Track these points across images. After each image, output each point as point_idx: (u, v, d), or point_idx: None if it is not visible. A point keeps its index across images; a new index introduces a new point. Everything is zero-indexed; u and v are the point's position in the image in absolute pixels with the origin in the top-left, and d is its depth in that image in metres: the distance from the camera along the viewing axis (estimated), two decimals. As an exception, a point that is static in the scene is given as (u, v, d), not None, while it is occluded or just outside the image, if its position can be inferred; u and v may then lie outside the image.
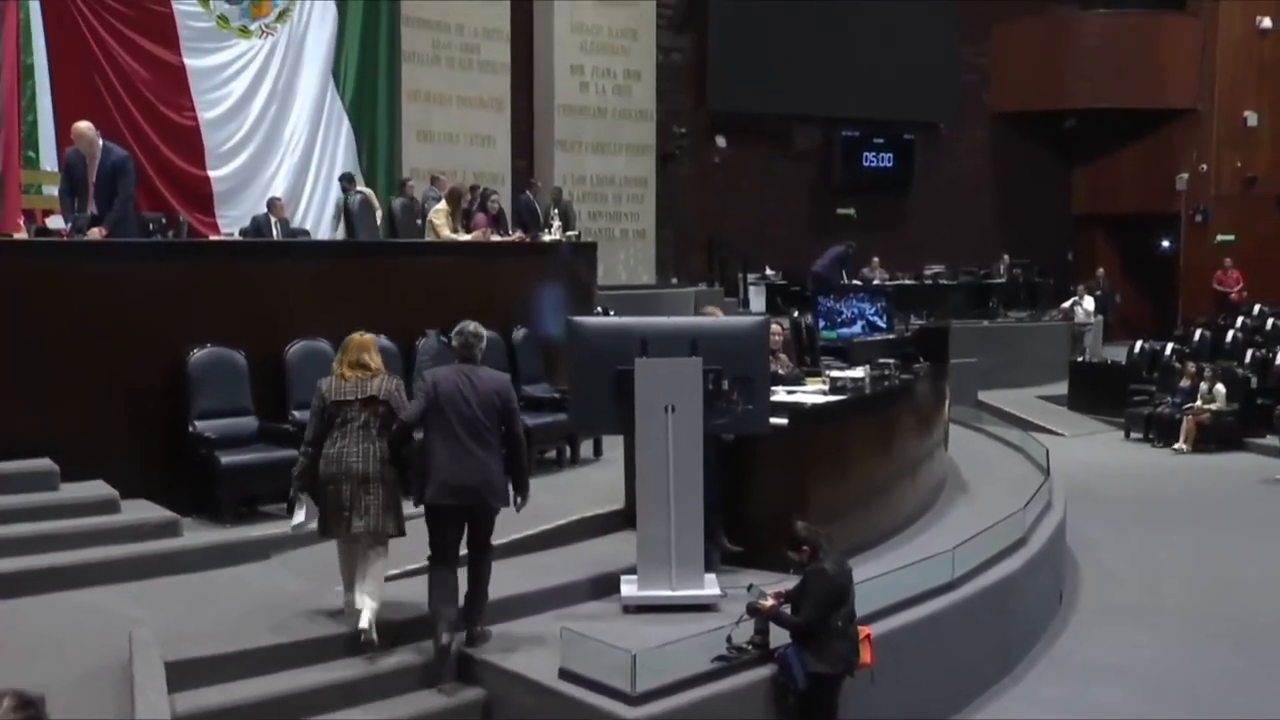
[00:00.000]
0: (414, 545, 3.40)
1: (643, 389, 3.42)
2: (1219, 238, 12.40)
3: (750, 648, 3.09)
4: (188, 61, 7.38)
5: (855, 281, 9.90)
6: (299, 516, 3.27)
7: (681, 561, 3.43)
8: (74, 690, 2.73)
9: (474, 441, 3.13)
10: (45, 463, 3.86)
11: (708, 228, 11.25)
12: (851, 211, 12.13)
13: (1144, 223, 13.02)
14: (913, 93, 11.98)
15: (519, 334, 5.50)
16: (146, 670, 2.80)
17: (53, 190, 5.83)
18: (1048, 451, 5.75)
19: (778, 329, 4.67)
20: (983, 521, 4.28)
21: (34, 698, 1.46)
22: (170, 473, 4.12)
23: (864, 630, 3.16)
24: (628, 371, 3.43)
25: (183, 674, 2.85)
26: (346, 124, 8.27)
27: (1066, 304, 11.24)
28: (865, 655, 3.13)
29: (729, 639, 3.07)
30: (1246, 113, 12.37)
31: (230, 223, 7.37)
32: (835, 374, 4.63)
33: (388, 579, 3.36)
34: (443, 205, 6.12)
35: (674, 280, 10.54)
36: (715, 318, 4.36)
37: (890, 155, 12.34)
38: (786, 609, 3.10)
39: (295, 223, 7.42)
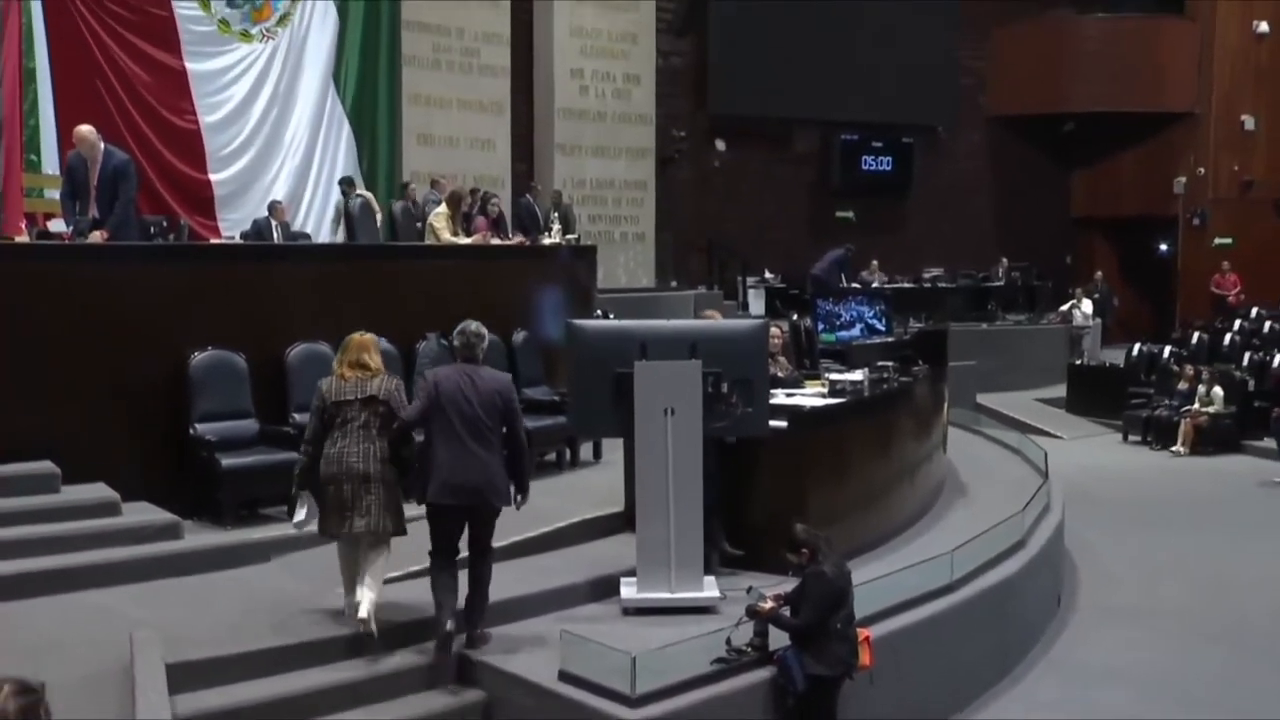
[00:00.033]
0: (415, 547, 3.41)
1: (642, 392, 3.43)
2: (1217, 241, 12.44)
3: (750, 650, 3.10)
4: (189, 65, 7.40)
5: (854, 284, 9.92)
6: (300, 515, 3.29)
7: (681, 564, 3.44)
8: (76, 691, 2.73)
9: (475, 441, 3.14)
10: (47, 465, 3.87)
11: (707, 231, 11.27)
12: (850, 214, 12.16)
13: (1142, 226, 13.05)
14: (911, 96, 12.01)
15: (519, 337, 5.52)
16: (148, 672, 2.81)
17: (54, 194, 5.85)
18: (1046, 454, 5.77)
19: (777, 332, 4.68)
20: (981, 524, 4.29)
21: (34, 685, 1.47)
22: (171, 475, 4.13)
23: (863, 632, 3.17)
24: (627, 374, 3.44)
25: (184, 676, 2.86)
26: (347, 128, 8.29)
27: (1065, 307, 11.27)
28: (864, 657, 3.14)
29: (728, 641, 3.08)
30: (1244, 116, 12.41)
31: (231, 226, 7.39)
32: (834, 377, 4.64)
33: (389, 580, 3.37)
34: (443, 209, 6.15)
35: (673, 283, 10.55)
36: (714, 321, 4.38)
37: (889, 158, 12.38)
38: (786, 611, 3.11)
39: (296, 226, 7.44)
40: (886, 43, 11.69)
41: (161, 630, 3.05)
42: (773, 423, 3.69)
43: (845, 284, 9.69)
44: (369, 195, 7.16)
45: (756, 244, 11.24)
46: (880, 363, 4.95)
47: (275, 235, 6.55)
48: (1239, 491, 7.21)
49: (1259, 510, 6.76)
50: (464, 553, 3.24)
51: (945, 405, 5.68)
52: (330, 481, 3.20)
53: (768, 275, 11.08)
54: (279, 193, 7.61)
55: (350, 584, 3.26)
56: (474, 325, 3.29)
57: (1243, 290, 11.74)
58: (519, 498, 3.25)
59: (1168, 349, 9.73)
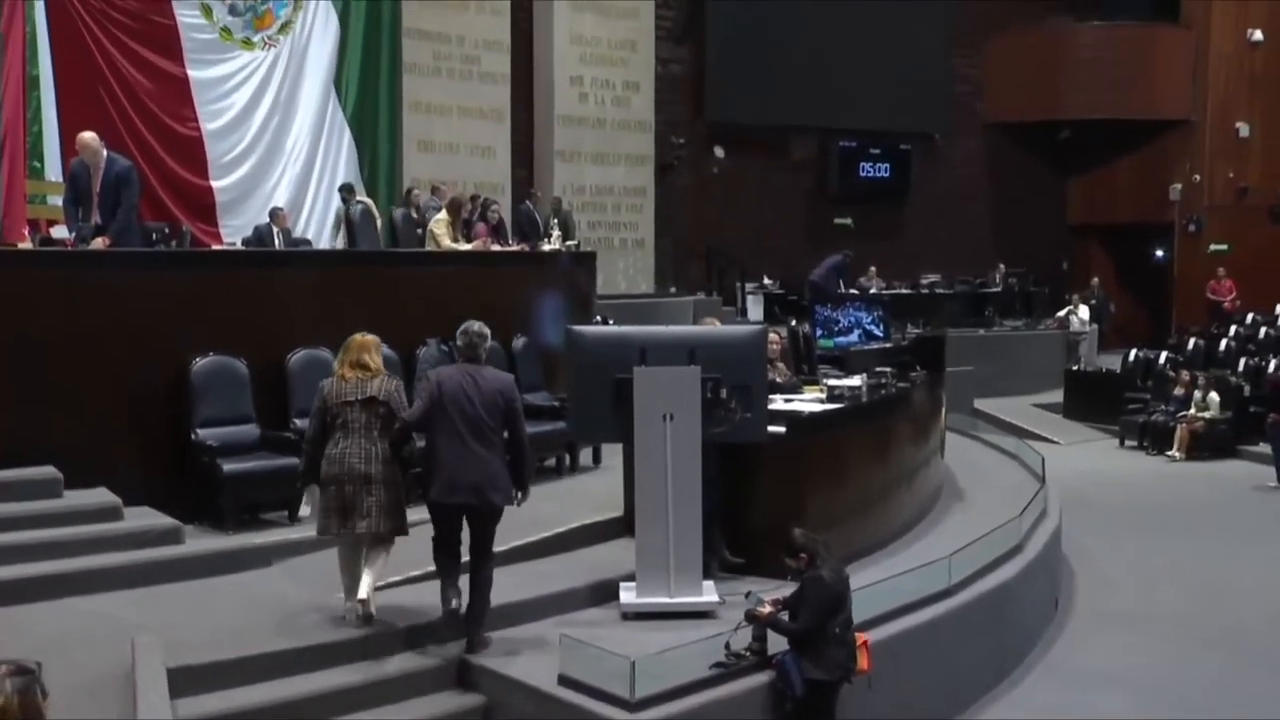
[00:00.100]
0: (415, 551, 3.44)
1: (641, 397, 3.45)
2: (1212, 247, 12.50)
3: (748, 654, 3.11)
4: (191, 73, 7.44)
5: (852, 290, 9.97)
6: (305, 510, 3.32)
7: (680, 568, 3.46)
8: (77, 696, 2.74)
9: (477, 441, 3.16)
10: (49, 470, 3.89)
11: (706, 237, 11.32)
12: (848, 221, 12.22)
13: (1138, 232, 13.12)
14: (908, 104, 12.09)
15: (519, 343, 5.54)
16: (149, 676, 2.82)
17: (57, 200, 5.86)
18: (1043, 459, 5.80)
19: (775, 338, 4.71)
20: (979, 529, 4.32)
21: (30, 665, 1.48)
22: (173, 480, 4.15)
23: (861, 637, 3.19)
24: (627, 380, 3.47)
25: (185, 680, 2.87)
26: (348, 135, 8.32)
27: (1062, 313, 11.31)
28: (862, 661, 3.15)
29: (727, 645, 3.09)
30: (1239, 124, 12.49)
31: (233, 232, 7.40)
32: (832, 382, 4.68)
33: (389, 585, 3.39)
34: (443, 215, 6.18)
35: (672, 289, 10.59)
36: (713, 327, 4.41)
37: (886, 165, 12.44)
38: (784, 616, 3.12)
39: (297, 232, 7.46)
40: (884, 50, 11.76)
41: (163, 635, 3.06)
42: (771, 428, 3.71)
43: (843, 290, 9.74)
44: (369, 202, 7.19)
45: (755, 250, 11.28)
46: (878, 368, 4.98)
47: (276, 241, 6.57)
48: (1235, 497, 7.24)
49: (1255, 515, 6.78)
50: (465, 556, 3.26)
51: (943, 410, 5.71)
52: (332, 482, 3.22)
53: (766, 281, 11.11)
54: (280, 199, 7.64)
55: (350, 587, 3.28)
56: (476, 325, 3.31)
57: (1238, 296, 11.79)
58: (519, 496, 3.27)
59: (1164, 355, 9.77)
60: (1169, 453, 8.38)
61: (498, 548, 3.34)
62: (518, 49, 9.68)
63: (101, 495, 3.90)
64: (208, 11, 7.54)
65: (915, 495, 4.86)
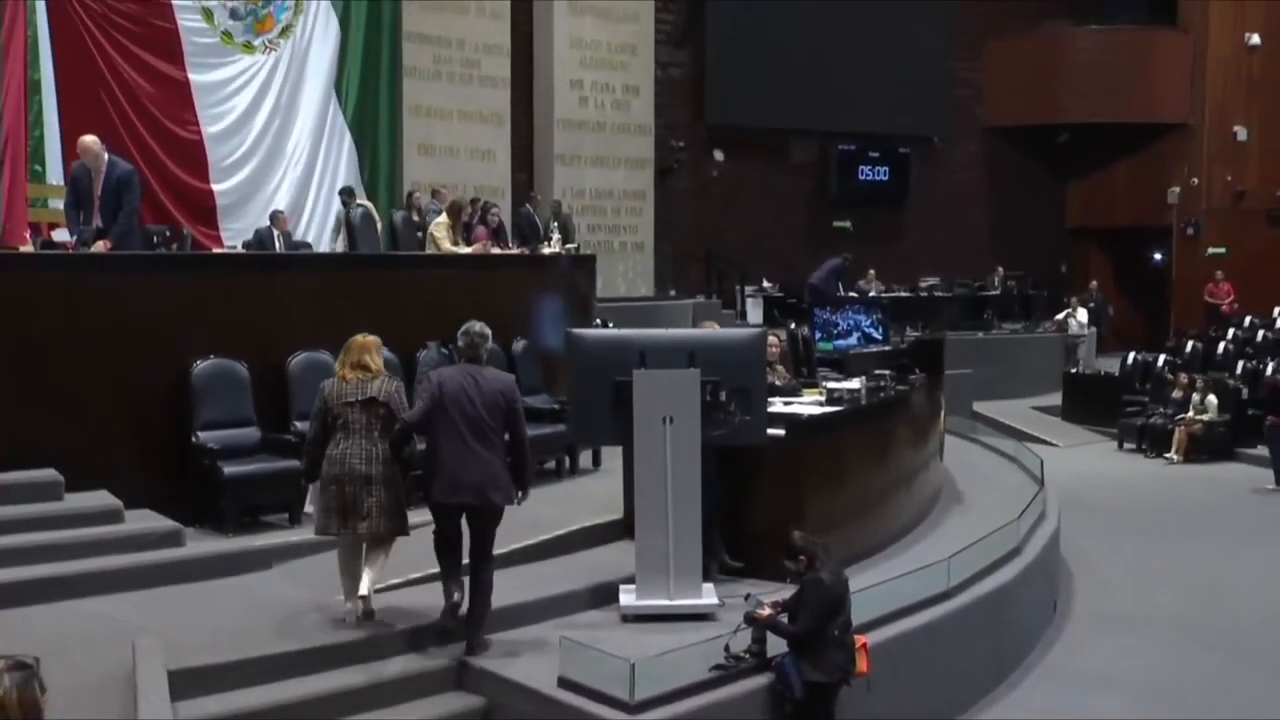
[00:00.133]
0: (415, 553, 3.45)
1: (641, 400, 3.47)
2: (1210, 250, 12.53)
3: (748, 656, 3.12)
4: (192, 77, 7.46)
5: (851, 293, 9.99)
6: (310, 508, 3.34)
7: (680, 571, 3.47)
8: (78, 698, 2.75)
9: (478, 441, 3.17)
10: (50, 473, 3.90)
11: (705, 240, 11.34)
12: (848, 224, 12.24)
13: (1136, 236, 13.16)
14: (907, 107, 12.13)
15: (519, 345, 5.56)
16: (150, 679, 2.83)
17: (58, 204, 5.88)
18: (1042, 462, 5.81)
19: (774, 340, 4.72)
20: (978, 531, 4.33)
21: (28, 660, 1.49)
22: (174, 483, 4.16)
23: (860, 639, 3.20)
24: (626, 383, 3.48)
25: (186, 682, 2.88)
26: (348, 138, 8.35)
27: (1060, 316, 11.34)
28: (862, 664, 3.16)
29: (727, 648, 3.10)
30: (1236, 128, 12.54)
31: (233, 235, 7.42)
32: (832, 385, 4.69)
33: (389, 587, 3.40)
34: (443, 218, 6.20)
35: (672, 292, 10.61)
36: (713, 330, 4.42)
37: (886, 169, 12.47)
38: (783, 618, 3.13)
39: (298, 235, 7.48)
40: (883, 54, 11.81)
41: (163, 637, 3.07)
42: (771, 431, 3.72)
43: (843, 293, 9.77)
44: (369, 205, 7.21)
45: (754, 253, 11.31)
46: (877, 371, 4.99)
47: (277, 245, 6.59)
48: (1233, 499, 7.25)
49: (1253, 518, 6.80)
50: (466, 559, 3.27)
51: (942, 413, 5.72)
52: (333, 482, 3.23)
53: (766, 284, 11.14)
54: (281, 203, 7.65)
55: (350, 588, 3.29)
56: (478, 326, 3.33)
57: (1236, 299, 11.81)
58: (519, 496, 3.29)
59: (1162, 357, 9.79)
60: (1166, 455, 8.39)
61: (497, 550, 3.35)
62: (518, 53, 9.71)
63: (102, 498, 3.92)
64: (209, 15, 7.56)
65: (914, 498, 4.87)
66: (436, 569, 3.38)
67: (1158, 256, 13.28)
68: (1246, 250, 12.23)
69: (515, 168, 9.77)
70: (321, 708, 2.98)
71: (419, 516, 3.45)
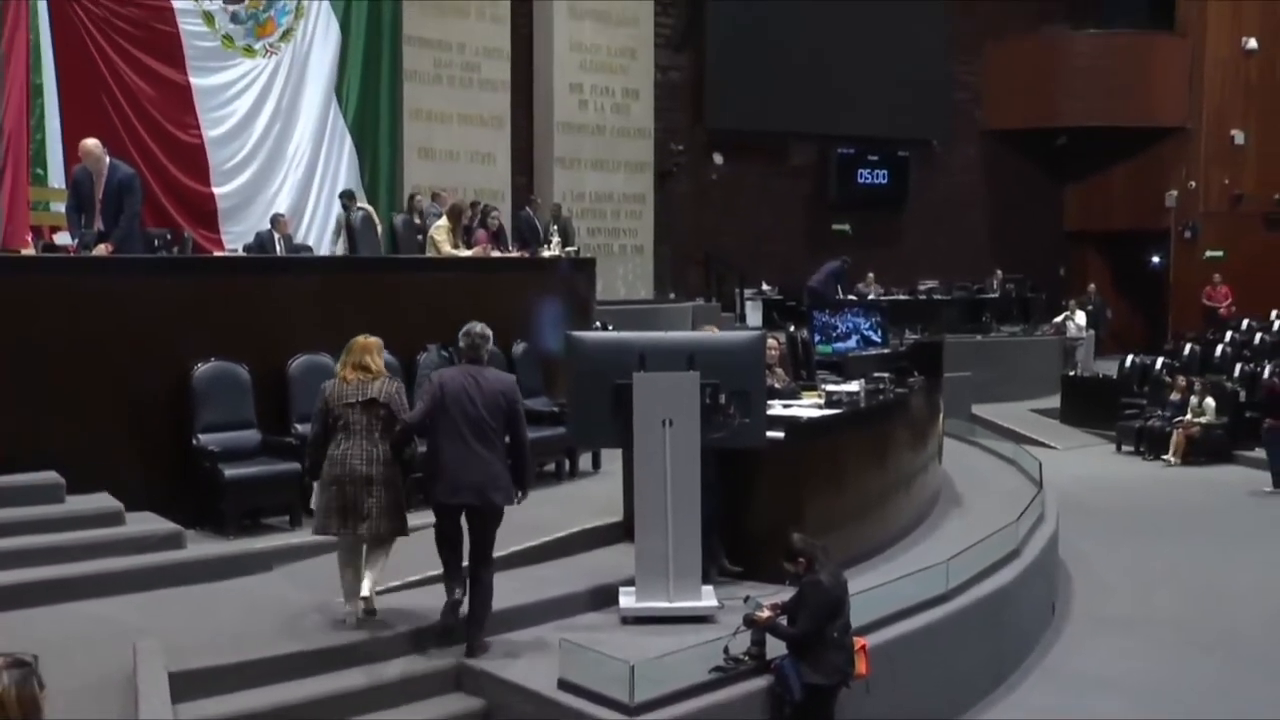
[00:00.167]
0: (416, 555, 3.46)
1: (641, 403, 3.48)
2: (1208, 253, 12.57)
3: (747, 659, 3.13)
4: (193, 80, 7.49)
5: (850, 296, 10.01)
6: (316, 504, 3.35)
7: (679, 573, 3.48)
8: (79, 700, 2.76)
9: (479, 442, 3.19)
10: (51, 475, 3.91)
11: (705, 243, 11.36)
12: (847, 227, 12.27)
13: (1134, 239, 13.19)
14: (907, 111, 12.16)
15: (519, 348, 5.57)
16: (151, 680, 2.84)
17: (60, 207, 5.90)
18: (1040, 464, 5.82)
19: (774, 343, 4.73)
20: (976, 534, 4.34)
21: (26, 658, 1.50)
22: (174, 485, 4.17)
23: (859, 641, 3.21)
24: (626, 386, 3.49)
25: (186, 684, 2.89)
26: (349, 141, 8.37)
27: (1059, 319, 11.36)
28: (861, 666, 3.17)
29: (726, 650, 3.11)
30: (1234, 131, 12.58)
31: (234, 239, 7.45)
32: (831, 388, 4.69)
33: (390, 590, 3.41)
34: (444, 221, 6.21)
35: (671, 295, 10.63)
36: (712, 333, 4.43)
37: (885, 172, 12.51)
38: (783, 620, 3.14)
39: (298, 239, 7.49)
40: (882, 58, 11.84)
41: (164, 639, 3.07)
42: (770, 433, 3.73)
43: (842, 296, 9.79)
44: (370, 208, 7.22)
45: (754, 256, 11.33)
46: (876, 374, 5.01)
47: (278, 248, 6.61)
48: (1231, 501, 7.27)
49: (1250, 520, 6.81)
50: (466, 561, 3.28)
51: (940, 416, 5.74)
52: (333, 483, 3.25)
53: (765, 287, 11.16)
54: (281, 206, 7.68)
55: (350, 590, 3.30)
56: (479, 327, 3.35)
57: (1234, 302, 11.85)
58: (519, 495, 3.31)
59: (1160, 360, 9.81)
60: (1164, 457, 8.41)
61: (498, 553, 3.36)
62: (518, 56, 9.74)
63: (103, 500, 3.92)
64: (210, 19, 7.59)
65: (913, 500, 4.88)
66: (436, 571, 3.40)
67: (1156, 259, 13.32)
68: (1244, 253, 12.27)
69: (515, 171, 9.79)
70: (322, 709, 2.99)
71: (419, 519, 3.46)
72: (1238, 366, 9.23)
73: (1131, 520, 6.70)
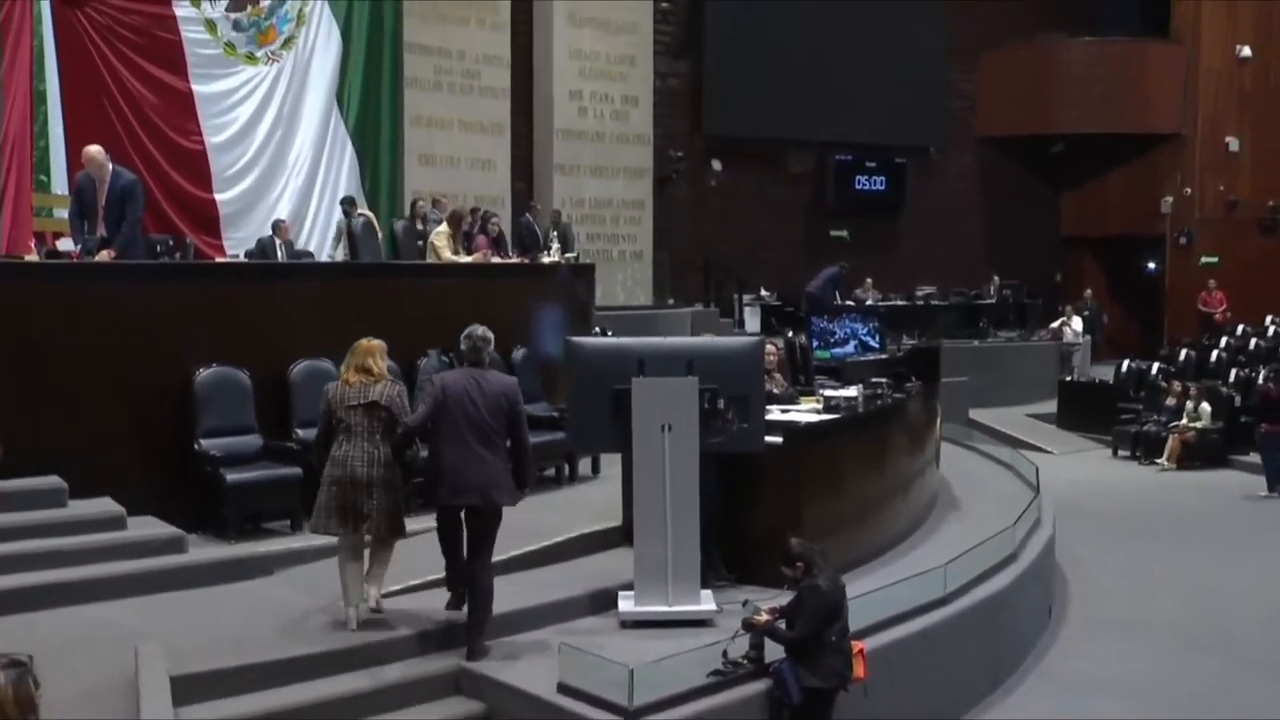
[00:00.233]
0: (416, 559, 3.48)
1: (640, 408, 3.50)
2: (1203, 259, 12.63)
3: (745, 662, 3.15)
4: (195, 87, 7.52)
5: (848, 302, 10.05)
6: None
7: (678, 577, 3.49)
8: (80, 703, 2.78)
9: (481, 444, 3.21)
10: (54, 480, 3.93)
11: (703, 249, 11.40)
12: (844, 233, 12.32)
13: (1130, 245, 13.25)
14: (903, 118, 12.23)
15: (519, 354, 5.60)
16: (152, 684, 2.85)
17: (63, 213, 5.92)
18: (1037, 469, 5.85)
19: (772, 349, 4.75)
20: (974, 538, 4.37)
21: (22, 658, 1.52)
22: (176, 490, 4.19)
23: (857, 645, 3.22)
24: (625, 391, 3.51)
25: (188, 688, 2.91)
26: (350, 148, 8.40)
27: (1055, 324, 11.40)
28: (859, 669, 3.18)
29: (725, 654, 3.13)
30: (1228, 138, 12.66)
31: (236, 245, 7.46)
32: (829, 393, 4.70)
33: (391, 593, 3.43)
34: (444, 228, 6.25)
35: (670, 301, 10.65)
36: (711, 338, 4.46)
37: (882, 179, 12.57)
38: (781, 624, 3.16)
39: (299, 245, 7.52)
40: (879, 65, 11.91)
41: (166, 643, 3.09)
42: (768, 438, 3.75)
43: (840, 301, 9.83)
44: (371, 215, 7.26)
45: (752, 262, 11.37)
46: (874, 379, 5.02)
47: (279, 254, 6.63)
48: (1226, 505, 7.30)
49: (1246, 524, 6.84)
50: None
51: (938, 421, 5.76)
52: (334, 483, 3.27)
53: (763, 293, 11.20)
54: (283, 212, 7.69)
55: (351, 594, 3.32)
56: (480, 329, 3.38)
57: (1229, 308, 11.91)
58: (520, 493, 3.33)
59: (1156, 365, 9.86)
60: (1157, 461, 8.43)
61: (497, 557, 3.39)
62: (518, 64, 9.79)
63: (105, 505, 3.95)
64: (212, 27, 7.64)
65: (911, 505, 4.90)
66: (435, 575, 3.43)
67: (1151, 265, 13.37)
68: (1239, 259, 12.33)
69: (515, 177, 9.83)
70: (322, 713, 3.01)
71: (419, 523, 3.48)
72: (1233, 372, 9.28)
73: (1128, 524, 6.73)
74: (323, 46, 8.30)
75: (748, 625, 3.16)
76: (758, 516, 3.95)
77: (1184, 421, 8.55)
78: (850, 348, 7.39)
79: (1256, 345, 10.15)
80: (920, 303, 11.65)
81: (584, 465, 5.31)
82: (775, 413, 4.20)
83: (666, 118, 11.07)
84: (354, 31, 8.42)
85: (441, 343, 4.87)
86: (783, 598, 3.29)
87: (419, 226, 6.93)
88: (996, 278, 12.28)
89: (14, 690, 1.49)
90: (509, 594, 3.46)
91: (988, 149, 13.24)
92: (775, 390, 4.59)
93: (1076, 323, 11.31)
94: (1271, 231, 12.61)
